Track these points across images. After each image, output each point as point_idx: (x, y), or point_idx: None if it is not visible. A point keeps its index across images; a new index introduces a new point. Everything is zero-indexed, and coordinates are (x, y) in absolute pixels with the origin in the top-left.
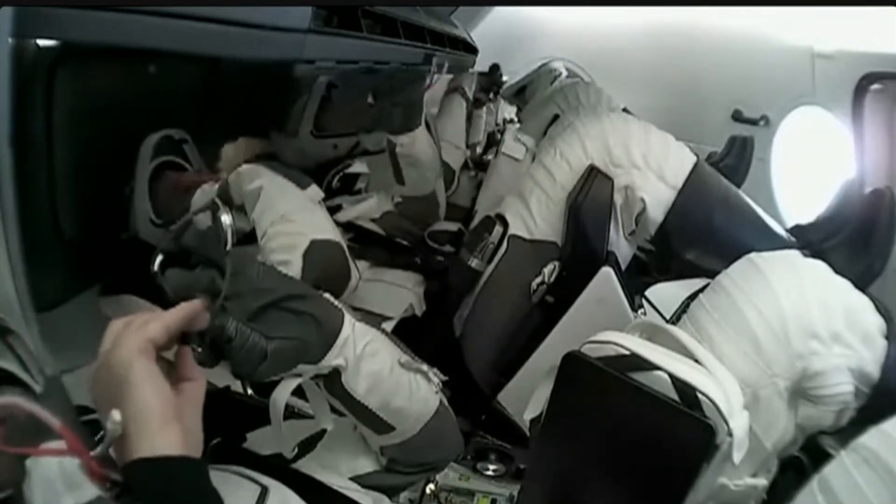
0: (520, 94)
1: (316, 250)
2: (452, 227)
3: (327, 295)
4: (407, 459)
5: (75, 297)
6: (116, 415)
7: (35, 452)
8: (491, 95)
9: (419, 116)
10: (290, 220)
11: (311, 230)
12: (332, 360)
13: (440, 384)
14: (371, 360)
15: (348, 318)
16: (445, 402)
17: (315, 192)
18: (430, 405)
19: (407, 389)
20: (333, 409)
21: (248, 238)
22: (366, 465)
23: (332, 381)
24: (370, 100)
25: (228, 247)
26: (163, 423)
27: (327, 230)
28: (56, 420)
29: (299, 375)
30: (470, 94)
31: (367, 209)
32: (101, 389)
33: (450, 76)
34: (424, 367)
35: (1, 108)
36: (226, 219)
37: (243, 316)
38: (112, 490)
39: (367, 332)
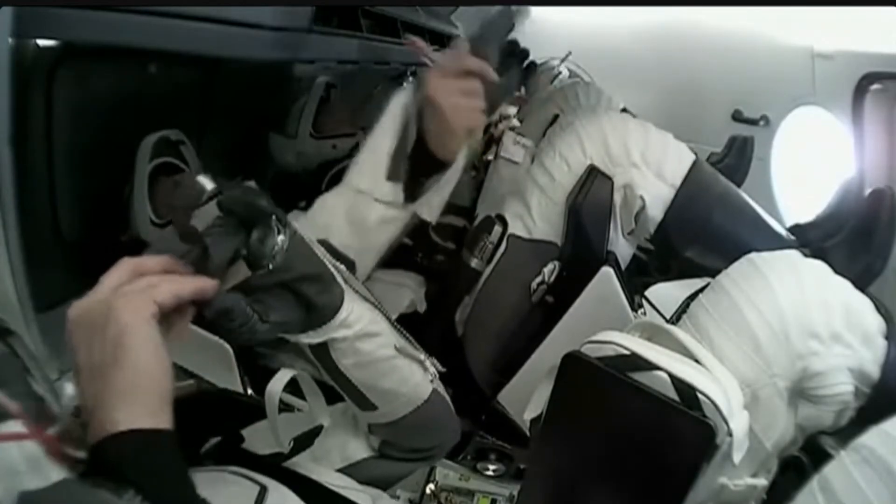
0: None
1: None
2: (458, 222)
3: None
4: (397, 442)
5: (75, 297)
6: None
7: None
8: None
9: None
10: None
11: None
12: (316, 338)
13: (436, 374)
14: (367, 340)
15: (347, 303)
16: (441, 390)
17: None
18: (420, 393)
19: (398, 375)
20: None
21: None
22: (358, 452)
23: (322, 350)
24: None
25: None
26: (161, 403)
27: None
28: (11, 402)
29: (292, 366)
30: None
31: None
32: (84, 337)
33: None
34: (422, 355)
35: (1, 108)
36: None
37: (260, 285)
38: (76, 469)
39: (367, 314)
